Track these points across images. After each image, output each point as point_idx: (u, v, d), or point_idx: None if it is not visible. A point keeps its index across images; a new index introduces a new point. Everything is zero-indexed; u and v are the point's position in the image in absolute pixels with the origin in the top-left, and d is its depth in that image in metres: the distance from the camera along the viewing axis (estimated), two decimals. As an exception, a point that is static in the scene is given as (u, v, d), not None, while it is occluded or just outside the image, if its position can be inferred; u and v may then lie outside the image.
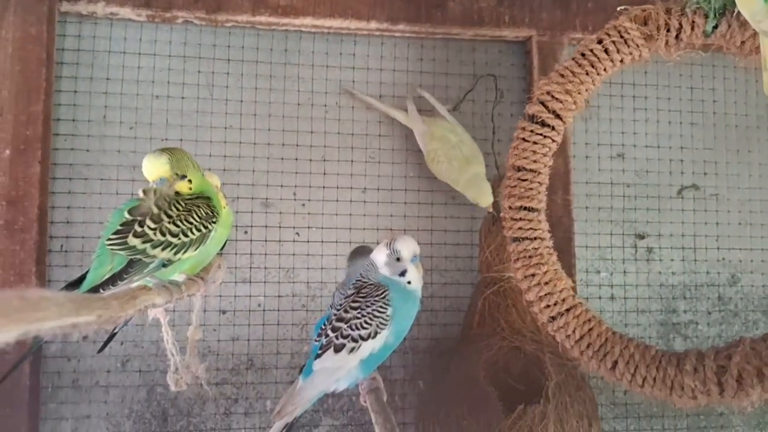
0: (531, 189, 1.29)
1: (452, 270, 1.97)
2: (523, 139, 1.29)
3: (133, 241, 1.15)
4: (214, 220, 1.25)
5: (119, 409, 1.77)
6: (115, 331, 1.43)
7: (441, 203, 1.97)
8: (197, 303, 1.40)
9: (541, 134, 1.28)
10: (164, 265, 1.20)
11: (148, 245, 1.16)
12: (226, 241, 1.47)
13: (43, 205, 1.71)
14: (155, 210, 1.18)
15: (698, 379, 1.18)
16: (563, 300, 1.28)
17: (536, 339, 1.67)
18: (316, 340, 1.23)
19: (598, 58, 1.26)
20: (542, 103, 1.29)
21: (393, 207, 1.96)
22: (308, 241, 1.91)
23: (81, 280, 1.22)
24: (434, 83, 1.99)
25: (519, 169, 1.29)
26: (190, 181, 1.24)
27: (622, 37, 1.25)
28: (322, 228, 1.92)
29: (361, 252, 1.42)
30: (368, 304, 1.19)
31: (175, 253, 1.19)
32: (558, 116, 1.29)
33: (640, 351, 1.25)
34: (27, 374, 1.66)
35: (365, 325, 1.17)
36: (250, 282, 1.88)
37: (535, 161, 1.28)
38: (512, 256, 1.32)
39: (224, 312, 1.86)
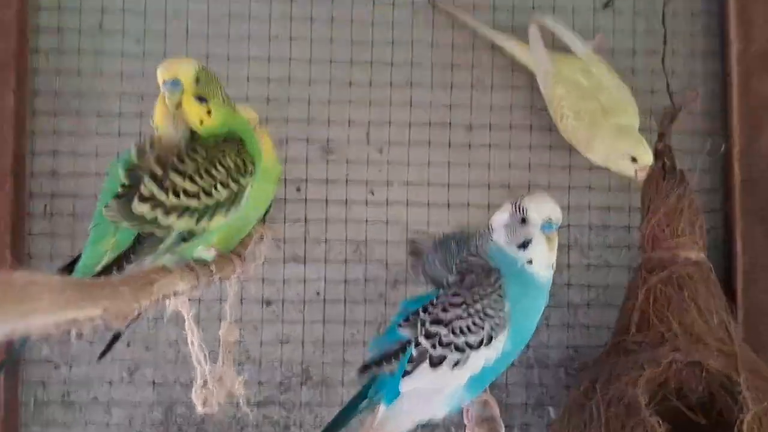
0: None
1: (598, 246, 1.95)
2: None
3: (140, 207, 1.18)
4: (248, 170, 1.27)
5: (125, 436, 1.89)
6: (121, 330, 1.44)
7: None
8: (232, 290, 1.44)
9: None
10: (184, 239, 1.23)
11: (159, 212, 1.18)
12: (272, 202, 1.51)
13: (19, 150, 1.75)
14: (158, 169, 1.20)
15: None
16: None
17: (727, 351, 1.67)
18: (400, 326, 1.27)
19: None
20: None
21: (512, 153, 1.94)
22: (387, 203, 1.93)
23: (77, 261, 1.25)
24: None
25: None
26: (208, 112, 1.24)
27: None
28: (407, 184, 1.93)
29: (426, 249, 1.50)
30: (476, 298, 1.20)
31: (198, 221, 1.21)
32: None
33: None
34: (1, 386, 1.72)
35: (473, 328, 1.19)
36: (305, 261, 1.90)
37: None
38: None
39: (269, 303, 1.89)
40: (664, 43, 1.93)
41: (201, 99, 1.22)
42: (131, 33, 1.90)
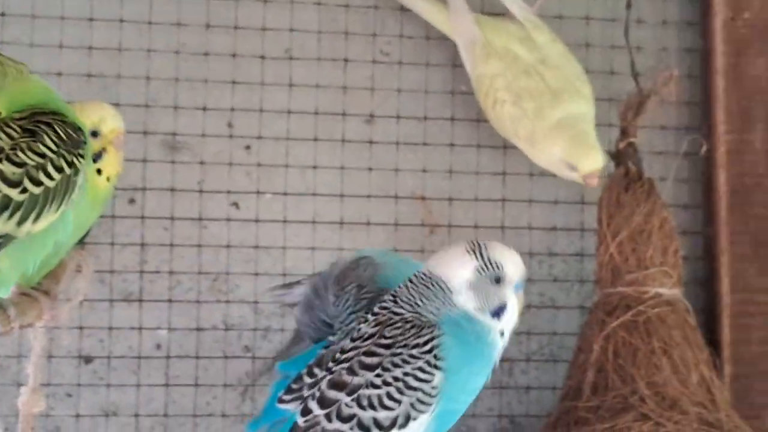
0: None
1: (541, 280, 1.96)
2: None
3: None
4: (81, 151, 1.21)
5: None
6: None
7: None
8: (38, 342, 1.37)
9: None
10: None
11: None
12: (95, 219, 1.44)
13: None
14: None
15: None
16: None
17: (710, 419, 1.66)
18: (281, 401, 1.28)
19: None
20: None
21: (427, 154, 1.94)
22: (257, 220, 1.89)
23: None
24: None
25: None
26: None
27: None
28: (285, 194, 1.90)
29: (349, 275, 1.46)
30: (398, 361, 1.20)
31: (20, 221, 1.15)
32: None
33: None
34: None
35: (388, 402, 1.19)
36: (141, 300, 1.84)
37: None
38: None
39: (90, 360, 1.83)
40: (628, 7, 1.91)
41: None
42: None
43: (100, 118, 1.38)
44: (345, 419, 1.18)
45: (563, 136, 1.75)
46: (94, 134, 1.36)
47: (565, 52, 1.85)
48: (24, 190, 1.14)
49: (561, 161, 1.76)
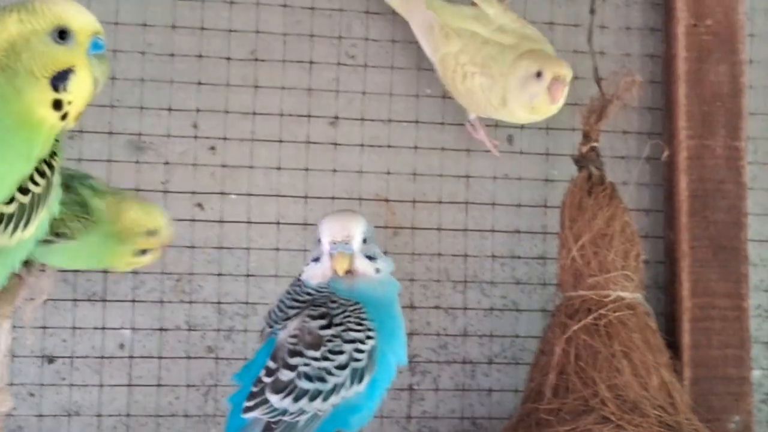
0: None
1: (504, 282, 1.96)
2: None
3: None
4: (55, 149, 1.16)
5: None
6: None
7: (484, 149, 1.92)
8: (3, 341, 1.39)
9: None
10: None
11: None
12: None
13: None
14: None
15: None
16: None
17: (669, 422, 1.66)
18: (247, 409, 1.31)
19: None
20: None
21: (391, 157, 1.94)
22: (222, 221, 1.89)
23: None
24: None
25: None
26: None
27: None
28: (249, 195, 1.90)
29: None
30: (338, 321, 1.33)
31: (12, 232, 1.12)
32: None
33: None
34: None
35: (337, 354, 1.30)
36: (105, 301, 1.83)
37: None
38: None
39: (52, 360, 1.82)
40: (591, 13, 1.91)
41: None
42: None
43: (64, 11, 1.11)
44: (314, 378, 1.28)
45: (527, 55, 1.75)
46: (62, 35, 1.08)
47: (519, 18, 1.85)
48: (11, 201, 1.11)
49: (527, 74, 1.73)
